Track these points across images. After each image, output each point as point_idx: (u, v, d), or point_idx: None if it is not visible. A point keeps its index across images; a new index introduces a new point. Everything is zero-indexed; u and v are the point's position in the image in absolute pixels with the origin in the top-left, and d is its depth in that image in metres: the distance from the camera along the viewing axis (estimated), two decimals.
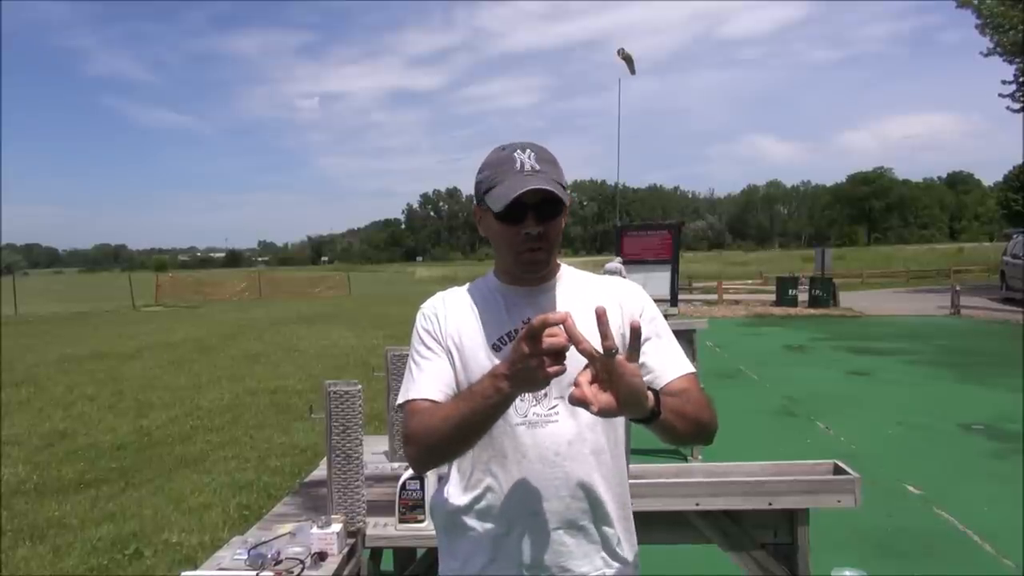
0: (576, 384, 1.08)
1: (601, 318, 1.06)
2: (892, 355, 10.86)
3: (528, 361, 1.07)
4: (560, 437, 1.31)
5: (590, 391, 1.07)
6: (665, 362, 1.35)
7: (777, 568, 2.28)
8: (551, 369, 1.07)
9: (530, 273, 1.37)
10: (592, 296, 1.36)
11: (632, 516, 1.42)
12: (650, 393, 1.14)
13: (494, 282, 1.43)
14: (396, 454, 2.96)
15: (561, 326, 1.06)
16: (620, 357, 1.07)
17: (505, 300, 1.39)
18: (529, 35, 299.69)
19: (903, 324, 15.17)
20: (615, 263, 6.11)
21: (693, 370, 1.37)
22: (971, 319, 15.69)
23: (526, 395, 1.30)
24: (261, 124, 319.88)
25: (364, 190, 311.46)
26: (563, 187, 1.32)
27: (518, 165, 1.29)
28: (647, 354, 1.33)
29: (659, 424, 1.17)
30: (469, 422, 1.20)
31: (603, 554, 1.34)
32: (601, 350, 1.07)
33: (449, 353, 1.37)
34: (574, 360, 1.09)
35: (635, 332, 1.10)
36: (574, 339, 1.06)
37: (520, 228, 1.30)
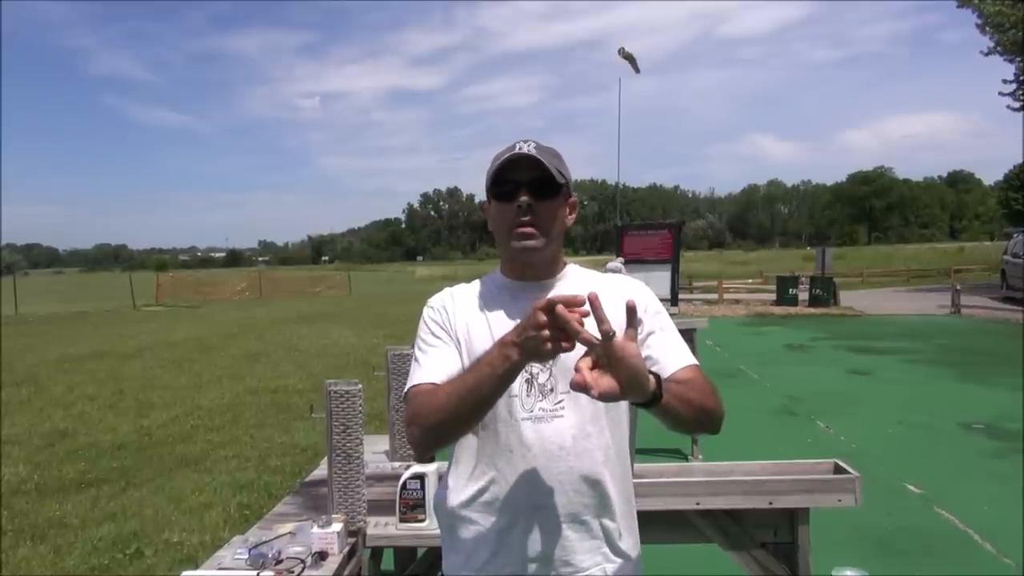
0: (576, 370, 1.09)
1: (595, 303, 1.08)
2: (892, 354, 10.86)
3: (541, 332, 1.09)
4: (565, 432, 1.32)
5: (591, 376, 1.08)
6: (668, 354, 1.36)
7: (778, 567, 2.28)
8: (564, 344, 1.09)
9: (524, 257, 1.37)
10: (596, 292, 1.37)
11: (636, 512, 1.43)
12: (652, 377, 1.15)
13: (500, 279, 1.44)
14: (397, 453, 2.96)
15: (586, 305, 1.09)
16: (618, 339, 1.08)
17: (512, 296, 1.40)
18: (530, 35, 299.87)
19: (903, 323, 15.17)
20: (616, 263, 6.10)
21: (696, 362, 1.38)
22: (971, 318, 15.69)
23: (532, 391, 1.32)
24: (262, 124, 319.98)
25: (364, 189, 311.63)
26: (564, 177, 1.35)
27: (516, 150, 1.34)
28: (650, 347, 1.35)
29: (662, 409, 1.17)
30: (475, 394, 1.20)
31: (606, 549, 1.35)
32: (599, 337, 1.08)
33: (457, 344, 1.38)
34: (578, 352, 1.11)
35: (631, 310, 1.12)
36: (572, 331, 1.08)
37: (513, 204, 1.33)
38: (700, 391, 1.29)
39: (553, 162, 1.34)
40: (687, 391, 1.25)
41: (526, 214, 1.33)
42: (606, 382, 1.08)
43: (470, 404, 1.21)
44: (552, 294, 1.37)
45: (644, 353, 1.34)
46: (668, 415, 1.21)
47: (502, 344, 1.16)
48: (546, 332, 1.08)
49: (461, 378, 1.24)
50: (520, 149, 1.34)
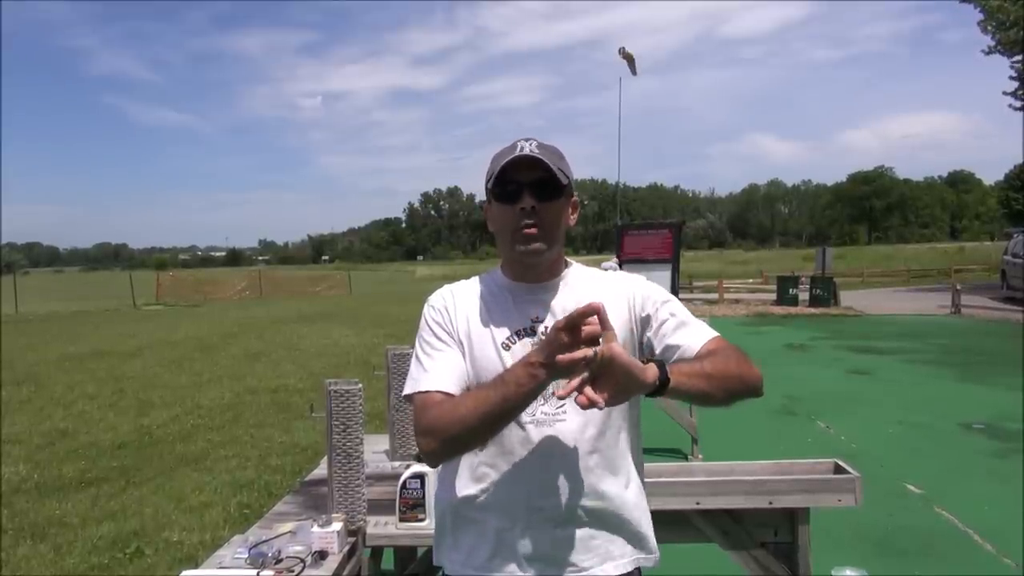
0: (578, 391, 1.10)
1: (600, 313, 1.10)
2: (892, 354, 10.86)
3: (565, 350, 1.10)
4: (568, 435, 1.32)
5: (590, 391, 1.10)
6: (687, 336, 1.36)
7: (778, 567, 2.28)
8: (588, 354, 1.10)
9: (528, 260, 1.37)
10: (599, 293, 1.37)
11: (646, 512, 1.42)
12: (652, 364, 1.16)
13: (501, 278, 1.43)
14: (396, 453, 2.97)
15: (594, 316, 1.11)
16: (601, 346, 1.10)
17: (513, 297, 1.40)
18: (531, 34, 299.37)
19: (903, 323, 15.17)
20: (610, 264, 6.11)
21: (716, 334, 1.37)
22: (972, 318, 15.68)
23: None
24: (262, 123, 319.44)
25: (365, 189, 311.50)
26: (567, 177, 1.35)
27: (518, 150, 1.33)
28: (667, 336, 1.36)
29: (675, 391, 1.18)
30: (500, 410, 1.21)
31: (607, 549, 1.35)
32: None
33: (460, 345, 1.37)
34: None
35: (598, 312, 1.11)
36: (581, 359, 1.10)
37: (516, 206, 1.32)
38: (722, 360, 1.28)
39: (556, 162, 1.33)
40: (702, 364, 1.25)
41: (530, 217, 1.32)
42: (607, 389, 1.10)
43: (493, 419, 1.22)
44: (549, 297, 1.38)
45: (664, 343, 1.35)
46: (687, 395, 1.22)
47: (528, 364, 1.17)
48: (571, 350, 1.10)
49: (484, 393, 1.24)
50: (522, 149, 1.33)
